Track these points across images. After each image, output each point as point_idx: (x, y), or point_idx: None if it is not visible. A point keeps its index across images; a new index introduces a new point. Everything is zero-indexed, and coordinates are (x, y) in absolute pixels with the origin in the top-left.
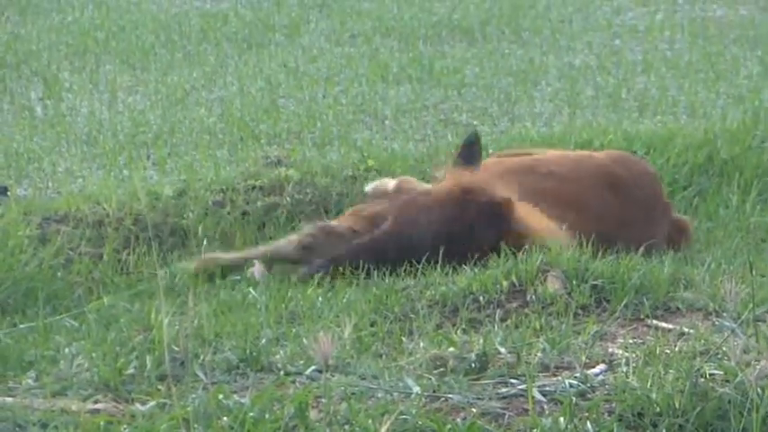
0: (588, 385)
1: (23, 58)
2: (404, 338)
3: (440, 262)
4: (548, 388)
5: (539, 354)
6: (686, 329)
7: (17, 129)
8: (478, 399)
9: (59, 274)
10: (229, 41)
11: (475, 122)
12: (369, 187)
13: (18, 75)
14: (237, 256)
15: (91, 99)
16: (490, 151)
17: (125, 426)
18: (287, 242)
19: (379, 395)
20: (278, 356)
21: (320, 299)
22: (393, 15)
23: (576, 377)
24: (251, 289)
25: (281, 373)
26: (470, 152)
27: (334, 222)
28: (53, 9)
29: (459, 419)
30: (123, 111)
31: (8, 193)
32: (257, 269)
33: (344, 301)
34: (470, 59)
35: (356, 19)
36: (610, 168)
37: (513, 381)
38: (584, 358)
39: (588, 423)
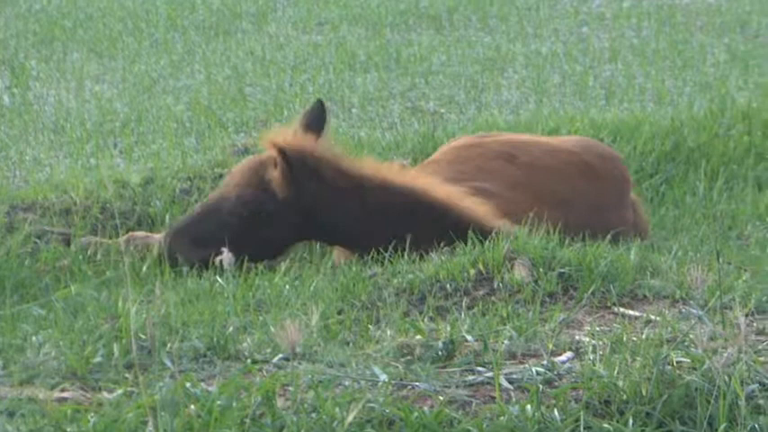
0: (555, 373)
1: None
2: (371, 326)
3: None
4: (515, 375)
5: (506, 341)
6: (653, 317)
7: None
8: (445, 386)
9: (27, 262)
10: (197, 29)
11: (442, 110)
12: (83, 240)
13: None
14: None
15: (58, 87)
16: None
17: (92, 414)
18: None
19: (347, 383)
20: (245, 344)
21: (287, 287)
22: (360, 3)
23: (542, 365)
24: (218, 277)
25: (249, 361)
26: (313, 118)
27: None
28: None
29: (426, 407)
30: (90, 99)
31: None
32: (225, 257)
33: (311, 289)
34: (437, 47)
35: (323, 7)
36: (581, 157)
37: (479, 368)
38: (550, 346)
39: (555, 410)
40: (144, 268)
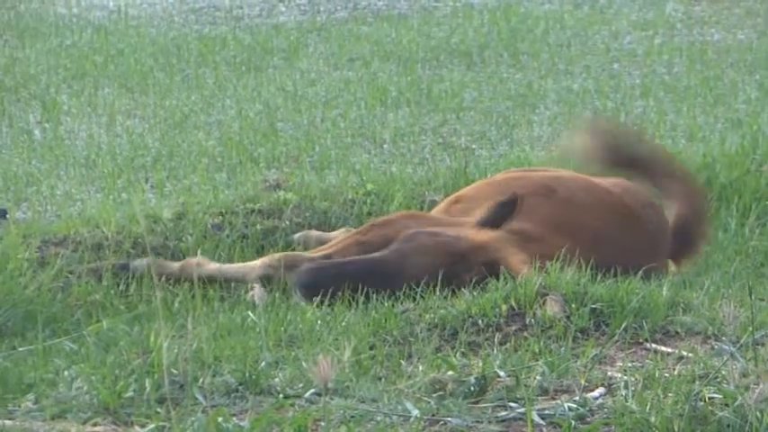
0: (587, 409)
1: (22, 82)
2: (403, 362)
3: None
4: (547, 411)
5: (538, 377)
6: (685, 353)
7: (16, 152)
8: (478, 422)
9: (59, 296)
10: (228, 65)
11: (473, 146)
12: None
13: (16, 98)
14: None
15: (89, 122)
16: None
17: None
18: (250, 268)
19: (379, 418)
20: (277, 379)
21: (319, 322)
22: (391, 39)
23: (575, 401)
24: (250, 312)
25: (281, 396)
26: (502, 212)
27: (299, 252)
28: (51, 32)
29: None
30: (122, 134)
31: (7, 216)
32: (257, 292)
33: (343, 324)
34: (469, 83)
35: (354, 43)
36: (620, 198)
37: (512, 404)
38: (583, 381)
39: None
40: (176, 303)
